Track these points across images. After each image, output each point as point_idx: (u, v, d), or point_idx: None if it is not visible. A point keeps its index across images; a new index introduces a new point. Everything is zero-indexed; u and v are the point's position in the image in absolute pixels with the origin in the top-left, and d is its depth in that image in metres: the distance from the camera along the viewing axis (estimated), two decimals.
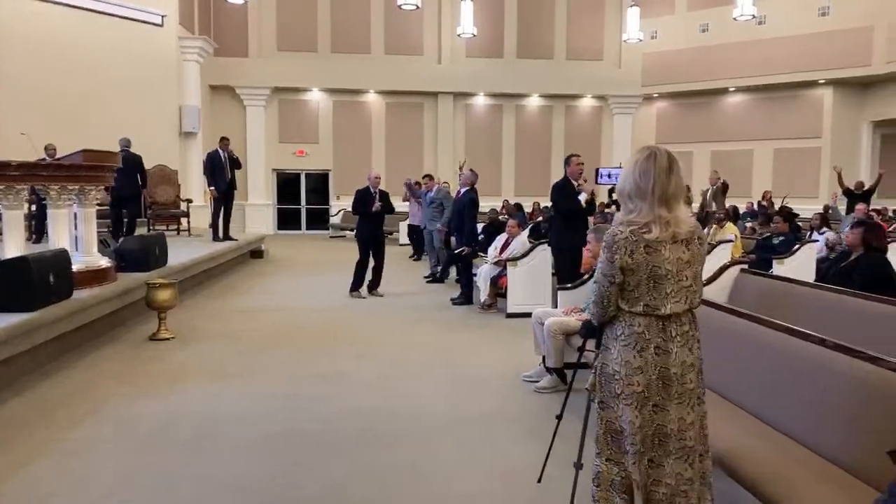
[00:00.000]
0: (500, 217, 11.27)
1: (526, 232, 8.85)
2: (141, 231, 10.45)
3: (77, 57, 12.45)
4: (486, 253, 8.42)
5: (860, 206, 10.20)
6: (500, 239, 8.24)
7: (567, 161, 6.60)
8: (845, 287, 4.37)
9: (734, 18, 15.06)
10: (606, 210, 12.32)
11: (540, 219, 12.42)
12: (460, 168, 10.19)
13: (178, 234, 12.20)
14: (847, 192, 12.21)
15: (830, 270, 5.53)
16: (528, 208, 15.92)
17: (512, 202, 15.78)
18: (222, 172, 10.52)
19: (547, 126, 20.02)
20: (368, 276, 8.51)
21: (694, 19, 18.52)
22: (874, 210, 11.98)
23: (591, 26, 19.61)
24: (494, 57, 19.31)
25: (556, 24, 19.55)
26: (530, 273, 7.29)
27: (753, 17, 15.07)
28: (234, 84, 18.25)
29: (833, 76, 17.04)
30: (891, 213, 14.72)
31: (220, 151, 10.60)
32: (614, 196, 12.51)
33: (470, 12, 16.31)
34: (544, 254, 7.36)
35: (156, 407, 4.22)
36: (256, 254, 12.51)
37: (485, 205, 10.85)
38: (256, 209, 18.58)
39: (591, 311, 2.28)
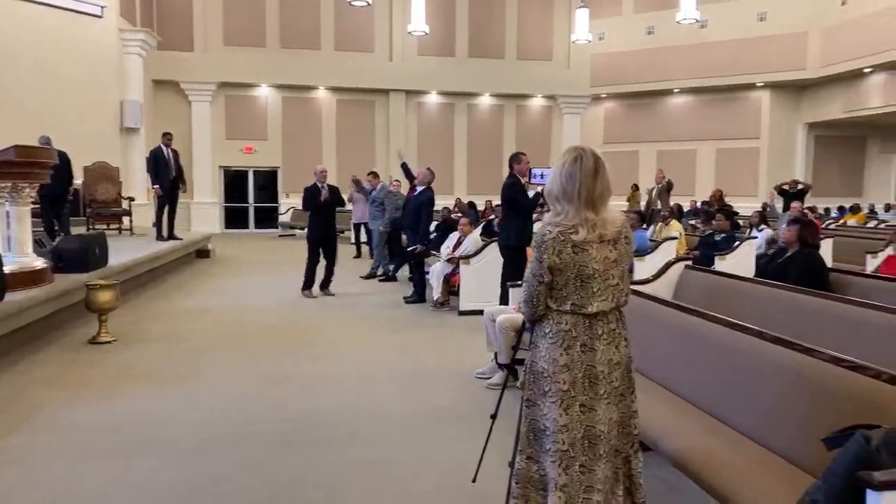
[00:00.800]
0: (452, 215, 11.30)
1: (478, 230, 8.91)
2: (80, 230, 10.03)
3: (11, 48, 11.85)
4: (439, 251, 8.43)
5: (795, 205, 10.65)
6: (453, 237, 8.26)
7: (517, 159, 6.62)
8: (782, 282, 4.56)
9: (678, 22, 15.50)
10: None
11: (493, 217, 12.50)
12: (399, 155, 9.99)
13: (120, 233, 11.76)
14: (782, 192, 12.75)
15: (768, 266, 5.75)
16: (480, 206, 16.01)
17: (465, 200, 15.85)
18: (167, 169, 10.20)
19: (498, 125, 20.19)
20: (320, 274, 8.40)
21: (640, 22, 18.98)
22: (808, 208, 12.54)
23: (541, 27, 19.87)
24: (446, 55, 19.35)
25: (506, 23, 19.72)
26: (483, 271, 7.33)
27: (696, 20, 15.54)
28: (178, 79, 17.73)
29: (770, 79, 17.76)
30: (821, 211, 15.45)
31: (164, 148, 10.28)
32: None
33: (421, 10, 16.27)
34: (496, 251, 7.41)
35: (96, 412, 4.06)
36: (203, 253, 12.20)
37: (438, 203, 10.83)
38: (202, 207, 18.11)
39: (521, 309, 2.29)
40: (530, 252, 5.64)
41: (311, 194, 8.19)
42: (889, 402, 2.10)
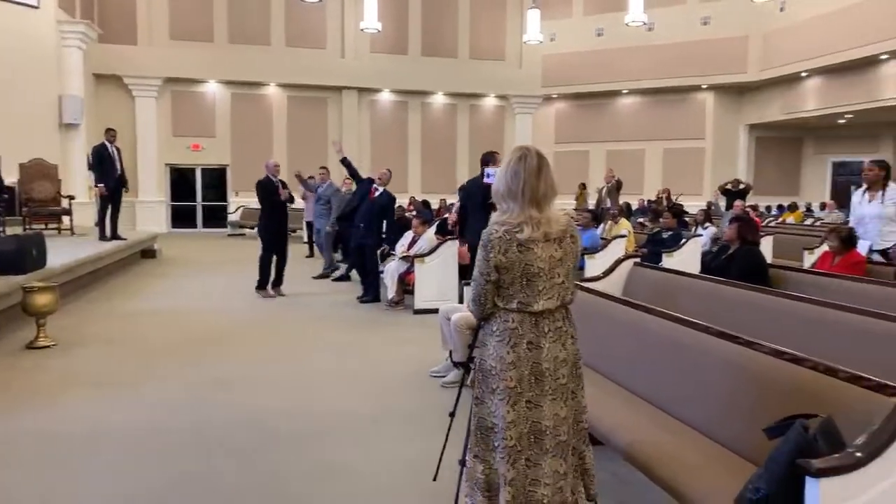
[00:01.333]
0: (407, 214, 11.27)
1: (433, 229, 8.90)
2: (16, 230, 9.57)
3: None
4: (394, 250, 8.39)
5: (738, 203, 11.04)
6: (407, 236, 8.24)
7: (493, 159, 6.52)
8: (725, 277, 4.72)
9: (626, 24, 15.85)
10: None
11: (447, 215, 12.52)
12: (337, 149, 9.57)
13: (60, 233, 11.28)
14: (725, 191, 13.20)
15: (713, 263, 5.94)
16: (434, 205, 16.02)
17: (419, 199, 15.83)
18: (112, 167, 9.85)
19: (452, 124, 20.24)
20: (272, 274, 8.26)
21: (590, 23, 19.33)
22: (749, 206, 13.01)
23: (494, 27, 20.01)
24: (399, 53, 19.28)
25: (459, 23, 19.78)
26: (438, 269, 7.34)
27: (644, 23, 15.91)
28: (121, 73, 17.12)
29: (714, 82, 18.36)
30: (763, 209, 16.07)
31: (108, 144, 9.92)
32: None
33: (374, 7, 16.14)
34: (451, 250, 7.44)
35: (34, 420, 3.89)
36: (148, 253, 11.83)
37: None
38: (148, 206, 17.56)
39: (470, 308, 2.31)
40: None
41: (266, 189, 8.02)
42: (826, 392, 2.20)
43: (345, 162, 9.04)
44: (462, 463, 2.45)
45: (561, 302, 2.22)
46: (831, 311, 3.44)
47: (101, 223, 10.17)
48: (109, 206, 10.07)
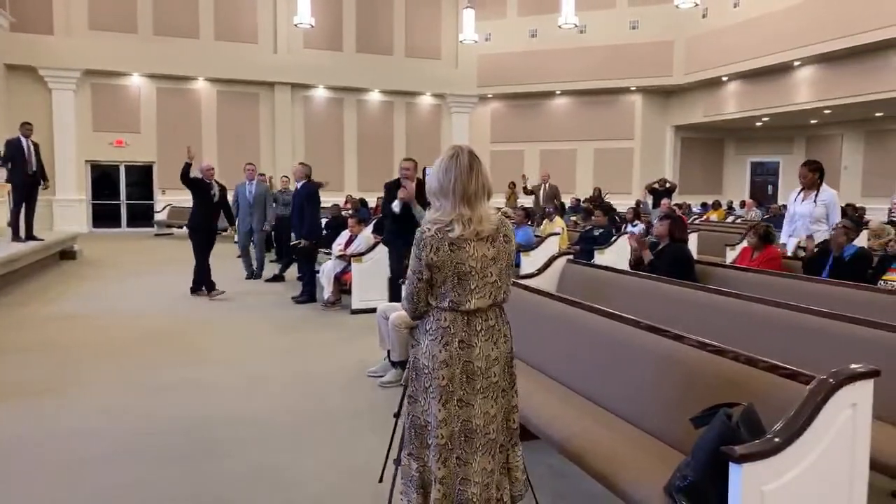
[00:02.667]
0: (343, 212, 11.11)
1: (370, 228, 8.82)
2: None
3: None
4: (330, 249, 8.27)
5: (664, 202, 11.47)
6: (344, 235, 8.14)
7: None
8: (654, 273, 4.89)
9: (559, 26, 16.19)
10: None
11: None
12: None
13: None
14: (653, 190, 13.72)
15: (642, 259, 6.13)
16: (372, 203, 15.88)
17: (356, 197, 15.65)
18: (25, 163, 9.28)
19: (388, 122, 20.13)
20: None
21: (524, 24, 19.64)
22: (676, 205, 13.55)
23: (429, 25, 20.02)
24: (334, 50, 19.01)
25: (394, 20, 19.69)
26: (375, 268, 7.29)
27: (575, 25, 16.32)
28: (36, 64, 16.15)
29: (641, 84, 19.01)
30: (695, 208, 16.79)
31: (23, 139, 9.35)
32: None
33: (307, 2, 15.88)
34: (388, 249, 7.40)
35: None
36: (67, 255, 11.22)
37: (328, 200, 10.57)
38: (66, 205, 16.65)
39: (404, 306, 2.30)
40: None
41: (203, 188, 7.89)
42: (747, 382, 2.30)
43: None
44: (397, 462, 2.44)
45: (493, 301, 2.22)
46: (752, 304, 3.62)
47: (14, 223, 9.57)
48: (24, 205, 9.50)
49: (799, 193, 5.98)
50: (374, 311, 5.21)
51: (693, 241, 9.05)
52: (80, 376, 4.78)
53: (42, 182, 9.64)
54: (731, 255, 7.65)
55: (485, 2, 19.13)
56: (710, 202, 17.16)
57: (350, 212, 11.35)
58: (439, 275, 2.16)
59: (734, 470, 1.85)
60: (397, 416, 2.84)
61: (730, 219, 14.68)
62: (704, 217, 15.09)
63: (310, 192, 8.01)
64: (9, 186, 9.31)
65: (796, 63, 15.15)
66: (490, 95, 20.51)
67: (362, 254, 7.36)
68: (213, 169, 8.13)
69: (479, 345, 2.20)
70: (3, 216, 10.78)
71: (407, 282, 2.24)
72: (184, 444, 3.57)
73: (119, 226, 17.91)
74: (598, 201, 13.92)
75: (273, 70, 18.27)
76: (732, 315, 3.67)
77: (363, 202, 14.51)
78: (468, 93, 20.28)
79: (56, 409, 4.08)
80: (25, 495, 2.98)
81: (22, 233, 9.51)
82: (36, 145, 9.58)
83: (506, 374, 2.28)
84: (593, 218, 9.51)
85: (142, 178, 17.97)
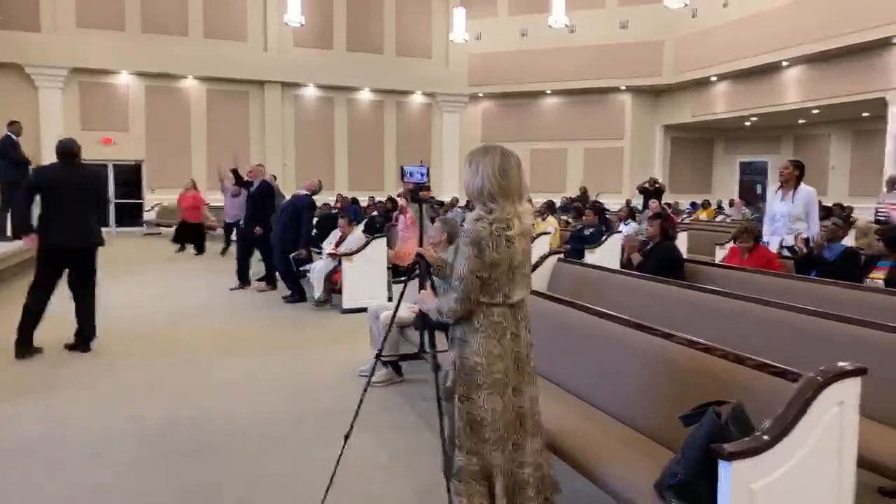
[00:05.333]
0: (333, 211, 11.09)
1: (360, 227, 8.82)
2: None
3: None
4: (321, 248, 8.24)
5: (653, 203, 11.53)
6: (335, 234, 8.12)
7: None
8: (644, 272, 4.91)
9: (549, 25, 16.23)
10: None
11: (375, 213, 12.44)
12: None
13: None
14: (643, 190, 13.78)
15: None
16: (363, 202, 15.86)
17: (347, 196, 15.63)
18: (13, 160, 9.20)
19: (379, 121, 20.10)
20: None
21: (515, 24, 19.66)
22: (667, 204, 13.64)
23: (420, 24, 20.00)
24: (324, 48, 18.96)
25: (385, 19, 19.66)
26: (365, 268, 7.27)
27: (566, 25, 16.36)
28: (22, 62, 15.99)
29: (631, 84, 19.08)
30: (687, 207, 16.89)
31: (11, 136, 9.28)
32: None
33: (297, 0, 15.82)
34: (379, 248, 7.39)
35: None
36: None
37: (318, 198, 10.49)
38: None
39: (451, 307, 2.26)
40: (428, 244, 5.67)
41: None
42: (736, 380, 2.32)
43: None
44: (448, 472, 2.43)
45: (529, 291, 2.35)
46: (741, 303, 3.65)
47: (1, 222, 9.48)
48: (12, 205, 9.40)
49: (777, 192, 6.01)
50: (365, 310, 5.20)
51: (682, 241, 9.09)
52: (59, 376, 4.72)
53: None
54: (720, 254, 7.70)
55: (475, 1, 19.13)
56: (699, 201, 17.27)
57: (338, 210, 11.28)
58: (496, 271, 2.22)
59: (723, 468, 1.86)
60: (347, 437, 2.82)
61: (719, 218, 14.77)
62: (694, 216, 15.19)
63: (311, 202, 7.97)
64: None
65: (784, 63, 15.26)
66: (481, 95, 20.52)
67: (353, 253, 7.34)
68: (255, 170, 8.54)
69: (523, 334, 2.32)
70: None
71: (462, 283, 2.21)
72: (163, 447, 3.53)
73: (107, 225, 17.73)
74: (584, 200, 13.98)
75: (263, 69, 18.20)
76: (721, 313, 3.69)
77: (354, 201, 14.49)
78: (459, 92, 20.28)
79: (33, 412, 4.04)
80: (26, 494, 2.95)
81: (9, 231, 9.41)
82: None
83: (534, 358, 2.40)
84: (584, 218, 9.53)
85: (131, 176, 17.82)
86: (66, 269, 5.34)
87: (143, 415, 3.99)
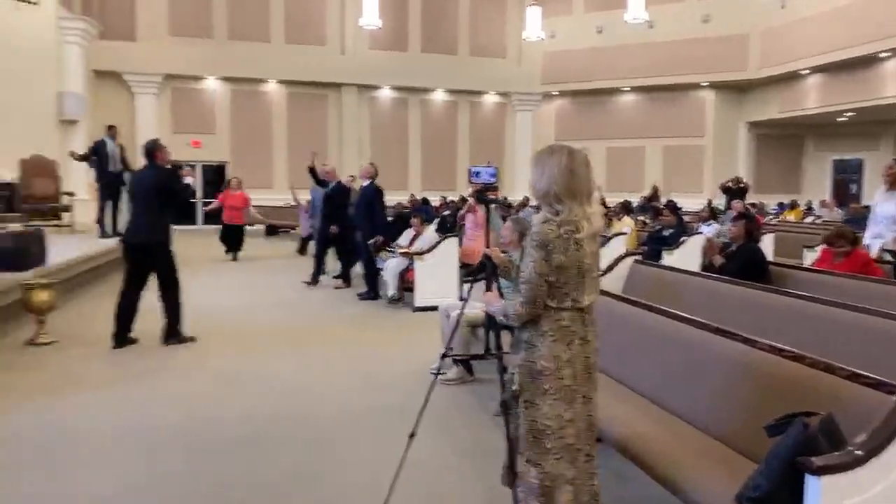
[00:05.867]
0: (406, 210, 11.24)
1: (433, 226, 8.90)
2: (16, 227, 9.55)
3: None
4: (393, 248, 8.37)
5: (736, 204, 11.02)
6: (408, 233, 8.24)
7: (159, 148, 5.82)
8: (725, 275, 4.72)
9: (626, 22, 15.84)
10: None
11: (447, 212, 12.53)
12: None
13: (60, 230, 11.27)
14: (726, 189, 13.21)
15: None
16: (435, 202, 16.02)
17: (419, 196, 15.83)
18: (107, 163, 9.87)
19: (452, 121, 20.23)
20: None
21: (590, 21, 19.31)
22: (751, 205, 13.02)
23: (494, 24, 19.99)
24: (399, 50, 19.27)
25: (459, 20, 19.77)
26: (437, 266, 7.33)
27: (644, 21, 15.92)
28: (121, 70, 17.13)
29: (714, 79, 18.34)
30: (772, 208, 16.08)
31: (108, 140, 9.95)
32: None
33: (374, 3, 16.15)
34: (451, 247, 7.44)
35: (32, 418, 3.89)
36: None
37: (391, 198, 10.67)
38: None
39: (517, 311, 2.21)
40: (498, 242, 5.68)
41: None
42: (825, 390, 2.20)
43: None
44: (510, 479, 2.38)
45: (597, 294, 2.29)
46: (832, 309, 3.44)
47: (101, 220, 10.18)
48: (110, 203, 10.08)
49: (885, 192, 5.61)
50: (436, 308, 5.25)
51: (768, 243, 8.67)
52: (153, 366, 5.02)
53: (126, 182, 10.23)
54: (809, 258, 7.29)
55: None
56: (786, 202, 16.40)
57: (410, 210, 11.40)
58: (564, 275, 2.16)
59: (811, 482, 1.76)
60: (412, 435, 2.81)
61: (808, 219, 13.99)
62: (781, 217, 14.44)
63: (377, 188, 8.15)
64: (97, 185, 9.92)
65: (883, 54, 14.26)
66: (555, 93, 20.28)
67: (425, 252, 7.42)
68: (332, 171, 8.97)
69: (592, 339, 2.24)
70: (92, 214, 11.47)
71: (529, 285, 2.17)
72: (239, 435, 3.68)
73: (194, 223, 18.72)
74: (656, 199, 13.55)
75: (340, 71, 18.69)
76: (810, 320, 3.50)
77: (424, 201, 14.63)
78: (532, 90, 20.13)
79: (130, 398, 4.30)
80: (101, 480, 3.16)
81: (108, 229, 10.09)
82: (122, 147, 10.15)
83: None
84: (661, 218, 9.25)
85: (217, 176, 18.72)
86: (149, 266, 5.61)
87: (218, 406, 4.18)
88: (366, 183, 8.22)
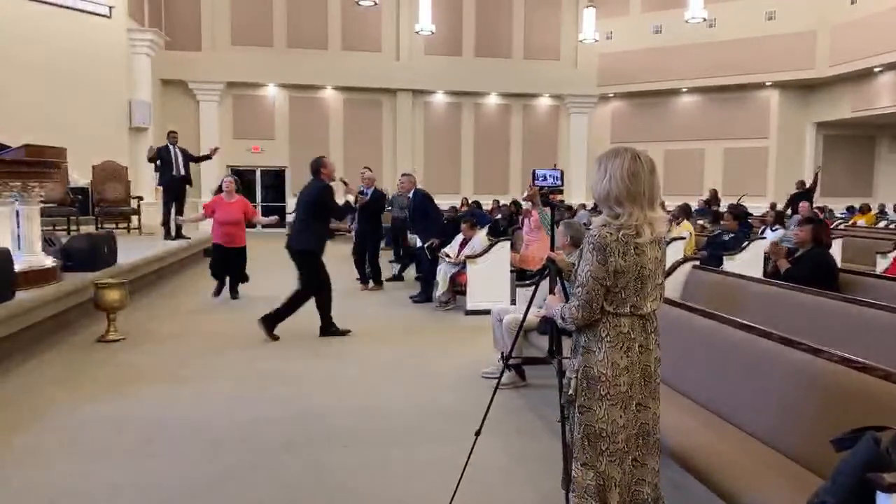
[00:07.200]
0: (458, 214, 11.27)
1: (484, 230, 8.88)
2: (89, 229, 10.08)
3: (20, 49, 11.92)
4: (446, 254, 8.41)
5: (804, 205, 10.58)
6: (460, 237, 8.25)
7: (323, 164, 6.19)
8: (791, 282, 4.53)
9: (686, 21, 15.44)
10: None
11: (499, 216, 12.49)
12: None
13: (129, 232, 11.82)
14: (797, 194, 12.67)
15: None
16: (487, 206, 15.99)
17: (471, 200, 15.84)
18: (169, 167, 10.30)
19: (505, 125, 20.17)
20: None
21: (647, 21, 18.92)
22: (818, 208, 12.48)
23: (548, 26, 19.83)
24: (453, 55, 19.35)
25: (513, 23, 19.70)
26: (489, 270, 7.33)
27: (704, 19, 15.48)
28: (186, 78, 17.82)
29: (778, 78, 17.67)
30: (841, 213, 15.36)
31: (170, 145, 10.38)
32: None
33: (428, 9, 16.28)
34: (503, 251, 7.41)
35: (103, 412, 4.08)
36: (210, 252, 12.20)
37: (443, 203, 10.76)
38: None
39: (572, 314, 2.20)
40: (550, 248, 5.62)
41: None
42: None
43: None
44: (567, 484, 2.40)
45: (661, 302, 2.25)
46: None
47: (165, 223, 10.61)
48: (173, 206, 10.50)
49: None
50: (488, 312, 5.24)
51: (836, 249, 8.28)
52: (214, 364, 5.19)
53: (189, 184, 10.65)
54: (882, 264, 6.93)
55: (606, 0, 18.64)
56: (857, 205, 15.63)
57: (461, 214, 11.42)
58: (622, 279, 2.13)
59: (882, 500, 1.67)
60: (478, 433, 2.80)
61: (881, 224, 13.29)
62: (851, 222, 13.78)
63: (425, 194, 8.28)
64: (160, 189, 10.35)
65: None
66: (611, 95, 19.96)
67: (477, 256, 7.42)
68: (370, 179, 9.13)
69: (653, 348, 2.22)
70: (157, 216, 11.98)
71: (585, 289, 2.16)
72: (297, 433, 3.76)
73: (254, 227, 19.25)
74: (715, 203, 13.13)
75: (395, 77, 18.92)
76: (882, 330, 3.32)
77: (477, 204, 14.63)
78: (588, 93, 19.86)
79: (190, 395, 4.46)
80: (169, 472, 3.28)
81: (172, 232, 10.51)
82: (184, 151, 10.56)
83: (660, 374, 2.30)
84: (722, 222, 8.97)
85: (276, 181, 19.25)
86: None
87: (281, 406, 4.29)
88: (411, 192, 8.39)
